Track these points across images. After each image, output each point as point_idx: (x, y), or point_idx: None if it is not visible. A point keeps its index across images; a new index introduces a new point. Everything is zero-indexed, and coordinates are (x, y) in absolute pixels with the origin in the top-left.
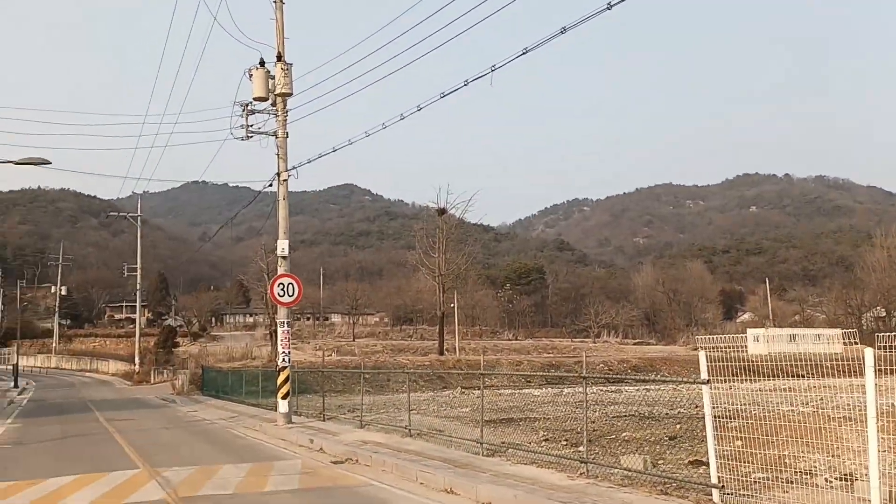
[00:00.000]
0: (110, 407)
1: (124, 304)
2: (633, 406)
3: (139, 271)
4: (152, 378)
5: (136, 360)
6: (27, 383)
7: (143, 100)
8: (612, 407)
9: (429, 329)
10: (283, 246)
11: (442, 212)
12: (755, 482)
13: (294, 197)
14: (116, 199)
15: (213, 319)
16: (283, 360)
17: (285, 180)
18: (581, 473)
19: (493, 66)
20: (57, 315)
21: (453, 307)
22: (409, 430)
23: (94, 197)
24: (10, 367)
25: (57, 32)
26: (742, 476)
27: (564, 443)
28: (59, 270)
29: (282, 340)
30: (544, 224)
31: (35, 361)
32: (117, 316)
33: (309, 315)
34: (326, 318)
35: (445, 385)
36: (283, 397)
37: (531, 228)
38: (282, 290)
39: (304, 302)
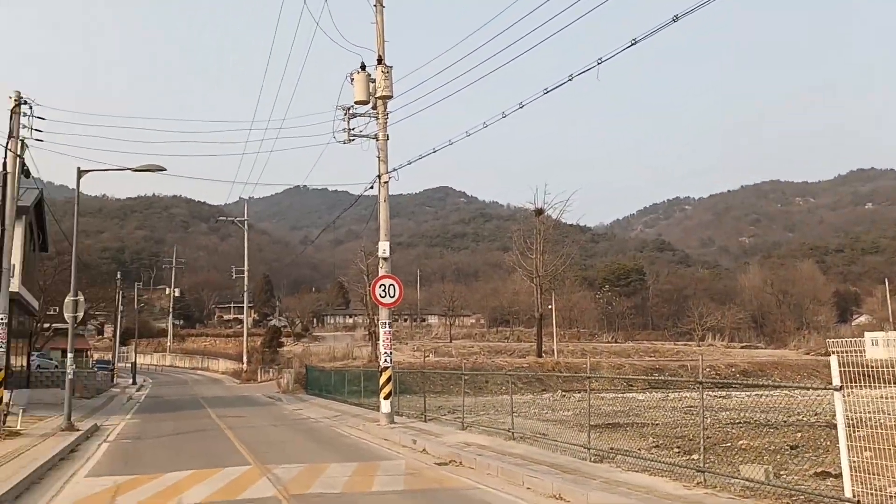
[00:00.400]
0: (221, 404)
1: (232, 305)
2: (746, 413)
3: (246, 273)
4: (259, 376)
5: (244, 359)
6: (144, 380)
7: (248, 107)
8: (724, 413)
9: (525, 331)
10: (384, 247)
11: (539, 212)
12: (892, 497)
13: (390, 200)
14: (224, 205)
15: (315, 320)
16: (385, 360)
17: (386, 182)
18: (698, 483)
19: (600, 59)
20: (171, 316)
21: (551, 309)
22: (513, 433)
23: (204, 203)
24: (129, 365)
25: (162, 44)
26: (877, 490)
27: (676, 450)
28: (173, 273)
29: (383, 341)
30: (643, 224)
31: (151, 360)
32: (225, 317)
33: (406, 316)
34: (423, 320)
35: (545, 388)
36: (386, 397)
37: (629, 228)
38: (383, 291)
39: (401, 303)
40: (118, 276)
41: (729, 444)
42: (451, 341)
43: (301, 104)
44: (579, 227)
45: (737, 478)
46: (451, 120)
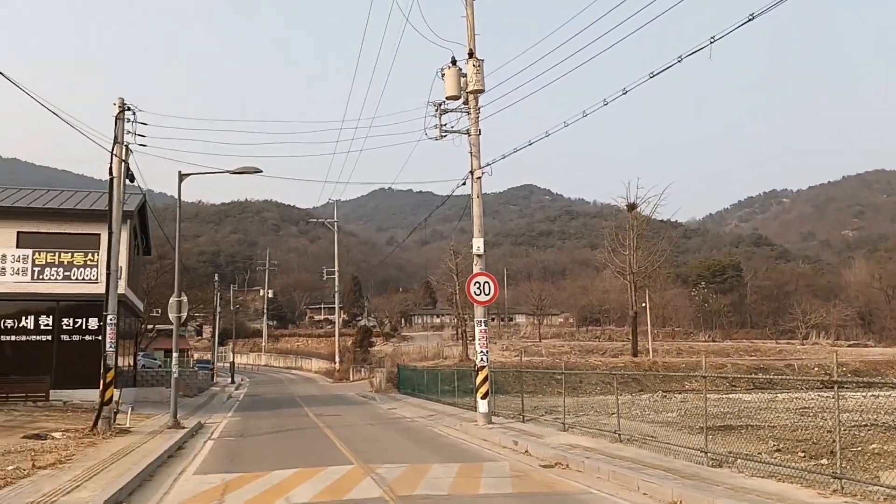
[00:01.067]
0: (316, 402)
1: (322, 305)
2: (868, 414)
3: (336, 274)
4: (351, 376)
5: (336, 358)
6: (242, 379)
7: (339, 107)
8: (845, 415)
9: (616, 330)
10: (478, 244)
11: (632, 207)
12: None
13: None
14: (313, 208)
15: (403, 320)
16: (482, 359)
17: (479, 178)
18: (834, 491)
19: (713, 37)
20: (265, 316)
21: (644, 307)
22: (619, 435)
23: (294, 206)
24: (227, 365)
25: (252, 45)
26: None
27: (801, 454)
28: (266, 275)
29: (479, 340)
30: (738, 218)
31: (247, 359)
32: (316, 317)
33: (493, 315)
34: (511, 319)
35: (641, 388)
36: (483, 397)
37: (723, 223)
38: (478, 288)
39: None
40: (215, 278)
41: (859, 448)
42: (540, 340)
43: (390, 103)
44: (671, 223)
45: (880, 485)
46: (534, 115)
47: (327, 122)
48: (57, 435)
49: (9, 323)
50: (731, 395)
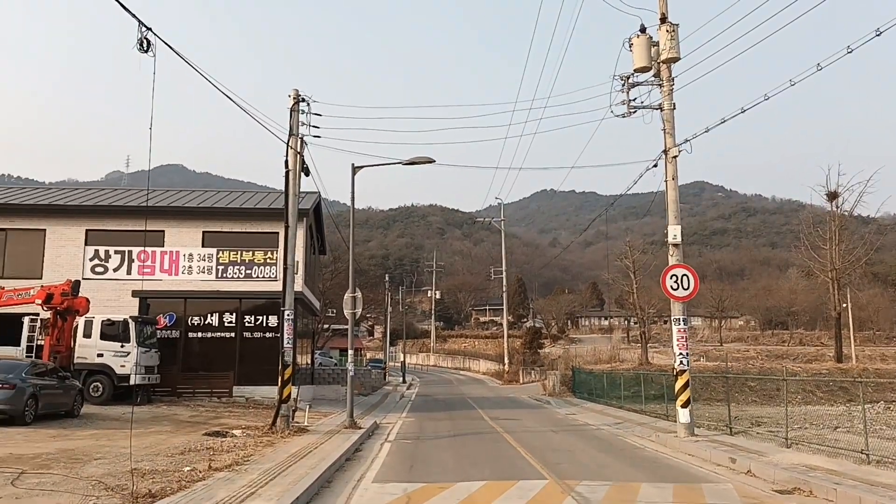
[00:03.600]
0: (489, 405)
1: (487, 307)
2: None
3: (504, 274)
4: (520, 378)
5: (505, 359)
6: (412, 379)
7: (504, 95)
8: None
9: (807, 333)
10: (674, 232)
11: (833, 196)
12: None
13: (639, 199)
14: (476, 212)
15: (569, 322)
16: (681, 362)
17: (675, 157)
18: None
19: None
20: (433, 317)
21: (846, 308)
22: (868, 455)
23: (457, 210)
24: (398, 364)
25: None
26: None
27: None
28: (434, 277)
29: (677, 340)
30: None
31: (416, 359)
32: (482, 318)
33: (666, 318)
34: (685, 322)
35: (850, 398)
36: (684, 405)
37: None
38: (675, 282)
39: (660, 304)
40: (386, 279)
41: None
42: (721, 344)
43: (566, 84)
44: (861, 219)
45: None
46: (717, 92)
47: (498, 104)
48: (237, 433)
49: (196, 320)
50: None
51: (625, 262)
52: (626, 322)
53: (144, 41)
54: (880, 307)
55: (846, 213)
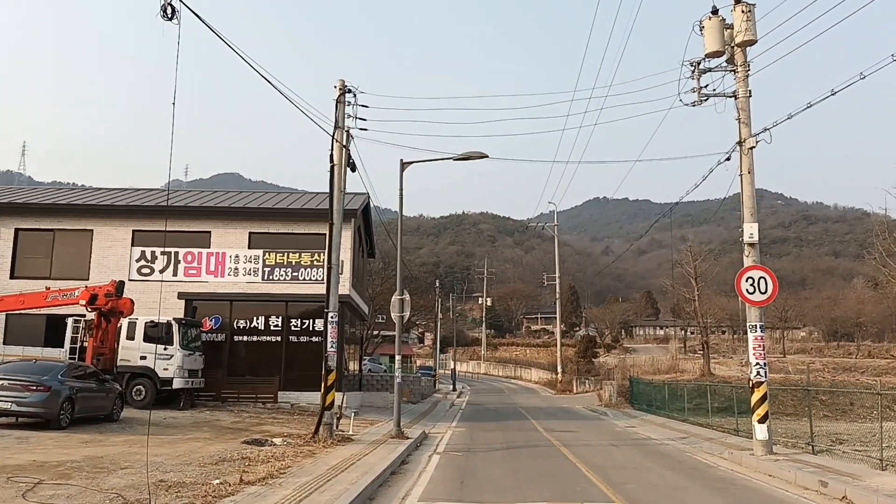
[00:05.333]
0: (542, 415)
1: (539, 315)
2: None
3: (558, 280)
4: (574, 387)
5: (558, 368)
6: (462, 387)
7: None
8: None
9: (874, 345)
10: (751, 231)
11: None
12: None
13: (695, 207)
14: (527, 220)
15: (623, 331)
16: (758, 373)
17: (751, 148)
18: None
19: None
20: (484, 325)
21: None
22: None
23: (508, 218)
24: (448, 372)
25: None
26: None
27: None
28: (485, 284)
29: (753, 348)
30: None
31: (466, 367)
32: (533, 327)
33: (725, 329)
34: (744, 332)
35: None
36: (761, 420)
37: None
38: (751, 285)
39: (719, 314)
40: (436, 284)
41: None
42: (784, 356)
43: (626, 74)
44: None
45: None
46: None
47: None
48: (277, 441)
49: (242, 323)
50: None
51: (686, 269)
52: (682, 332)
53: (168, 7)
54: None
55: None
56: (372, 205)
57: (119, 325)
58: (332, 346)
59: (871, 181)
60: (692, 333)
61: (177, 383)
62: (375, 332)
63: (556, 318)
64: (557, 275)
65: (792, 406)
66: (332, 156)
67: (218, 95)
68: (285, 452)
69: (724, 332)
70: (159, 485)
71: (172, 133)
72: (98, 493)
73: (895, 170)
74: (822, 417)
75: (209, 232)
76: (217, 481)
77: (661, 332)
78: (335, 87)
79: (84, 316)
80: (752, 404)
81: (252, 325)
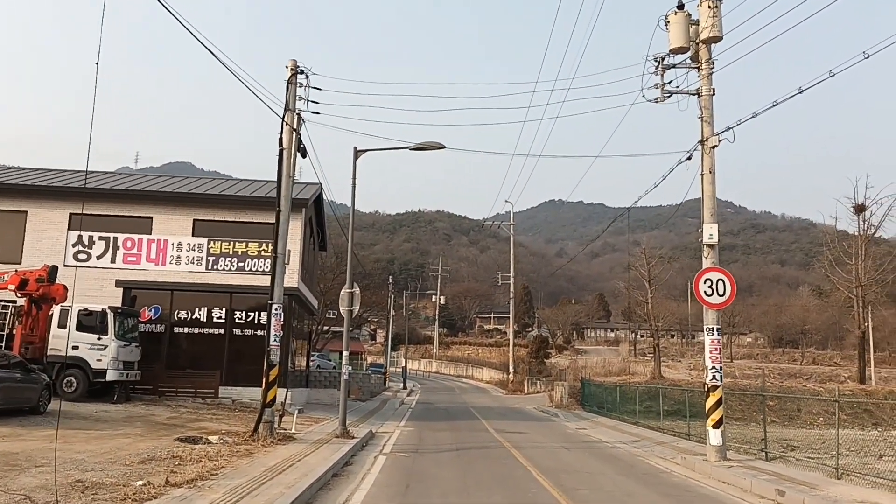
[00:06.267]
0: (493, 415)
1: (492, 315)
2: None
3: (512, 279)
4: (526, 388)
5: (510, 368)
6: (413, 385)
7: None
8: None
9: (818, 353)
10: (710, 231)
11: (860, 209)
12: None
13: (648, 212)
14: (483, 219)
15: (574, 332)
16: (714, 377)
17: (713, 147)
18: None
19: None
20: (437, 323)
21: (867, 327)
22: None
23: (465, 217)
24: (399, 370)
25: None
26: None
27: None
28: (439, 282)
29: (710, 352)
30: None
31: (418, 365)
32: (486, 326)
33: (674, 332)
34: (693, 337)
35: (876, 421)
36: (715, 426)
37: None
38: (709, 287)
39: (669, 318)
40: (390, 280)
41: None
42: (731, 361)
43: (588, 68)
44: (873, 239)
45: None
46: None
47: (518, 83)
48: (213, 439)
49: (183, 314)
50: None
51: (640, 272)
52: (633, 335)
53: None
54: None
55: (878, 225)
56: (326, 197)
57: (51, 312)
58: (275, 340)
59: (817, 193)
60: (643, 336)
61: (111, 375)
62: (326, 328)
63: (509, 318)
64: (512, 274)
65: (740, 411)
66: (280, 139)
67: (176, 83)
68: (220, 452)
69: (673, 336)
70: (75, 485)
71: (95, 95)
72: (3, 495)
73: (845, 179)
74: (770, 423)
75: (151, 217)
76: (140, 483)
77: (613, 335)
78: (287, 66)
79: (14, 302)
80: (706, 408)
81: (194, 317)
